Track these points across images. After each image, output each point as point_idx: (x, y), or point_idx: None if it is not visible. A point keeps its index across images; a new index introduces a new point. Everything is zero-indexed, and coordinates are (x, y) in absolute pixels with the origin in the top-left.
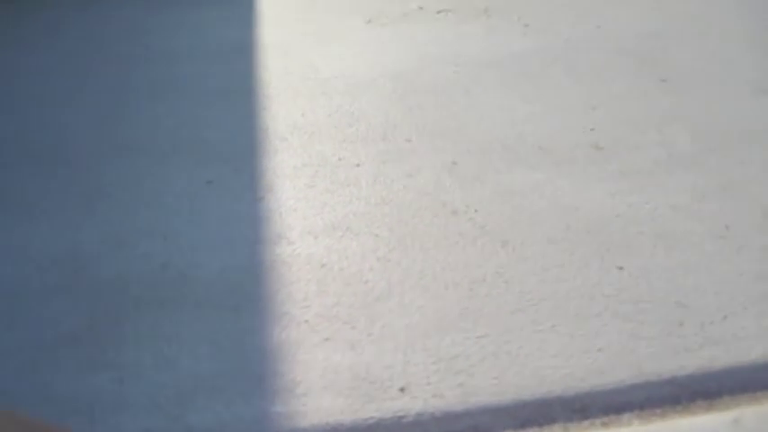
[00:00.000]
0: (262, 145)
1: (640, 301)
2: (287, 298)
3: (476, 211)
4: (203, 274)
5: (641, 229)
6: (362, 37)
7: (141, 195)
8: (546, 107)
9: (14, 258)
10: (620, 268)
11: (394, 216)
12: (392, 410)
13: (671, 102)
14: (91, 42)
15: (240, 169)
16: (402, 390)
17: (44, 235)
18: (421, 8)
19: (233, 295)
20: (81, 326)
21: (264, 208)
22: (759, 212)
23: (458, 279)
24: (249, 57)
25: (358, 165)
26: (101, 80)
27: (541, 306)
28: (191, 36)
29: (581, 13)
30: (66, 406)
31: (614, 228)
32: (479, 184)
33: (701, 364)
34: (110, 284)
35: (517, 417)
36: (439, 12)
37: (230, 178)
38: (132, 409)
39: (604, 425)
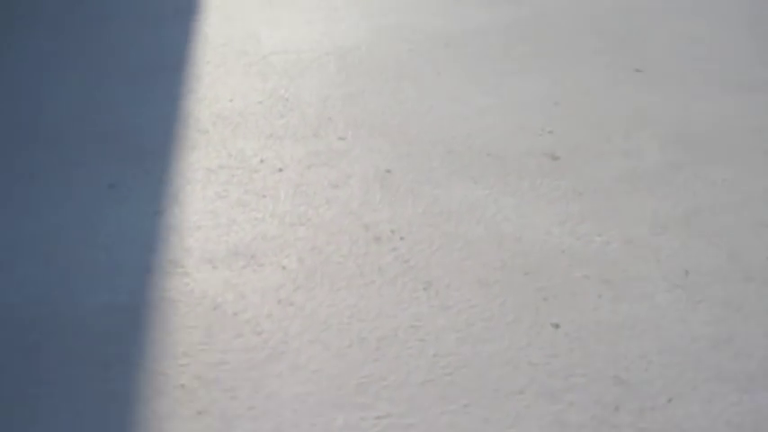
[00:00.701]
0: (179, 138)
1: (573, 373)
2: (167, 351)
3: (401, 238)
4: (81, 313)
5: (588, 271)
6: (315, 2)
7: (31, 202)
8: (503, 100)
9: None
10: (556, 326)
11: (308, 241)
12: None
13: (643, 98)
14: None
15: (149, 169)
16: None
17: None
18: None
19: (107, 344)
20: None
21: (165, 224)
22: (725, 254)
23: (366, 333)
24: (188, 21)
25: (280, 169)
26: (6, 50)
27: (457, 375)
28: None
29: None
30: None
31: (557, 268)
32: (412, 202)
33: None
34: None
35: None
36: None
37: (136, 181)
38: None
39: None
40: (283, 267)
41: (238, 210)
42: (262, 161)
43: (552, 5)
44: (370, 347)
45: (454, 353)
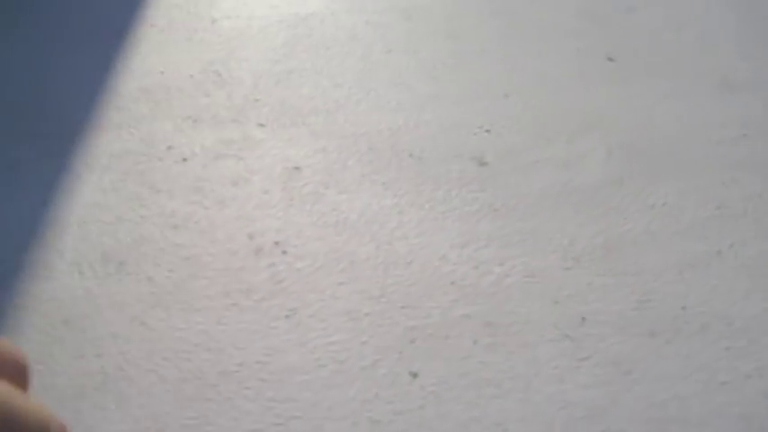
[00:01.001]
0: (96, 116)
1: None
2: None
3: (284, 252)
4: None
5: (472, 309)
6: None
7: None
8: (449, 88)
9: None
10: (414, 375)
11: (186, 249)
12: None
13: (607, 94)
14: None
15: (54, 151)
16: None
17: None
18: None
19: None
20: None
21: (49, 217)
22: (634, 299)
23: (208, 365)
24: None
25: (185, 159)
26: None
27: (288, 427)
28: None
29: None
30: None
31: (439, 304)
32: (309, 208)
33: None
34: None
35: None
36: None
37: (36, 164)
38: None
39: None
40: (149, 279)
41: (128, 205)
42: (169, 148)
43: None
44: (207, 383)
45: (293, 399)
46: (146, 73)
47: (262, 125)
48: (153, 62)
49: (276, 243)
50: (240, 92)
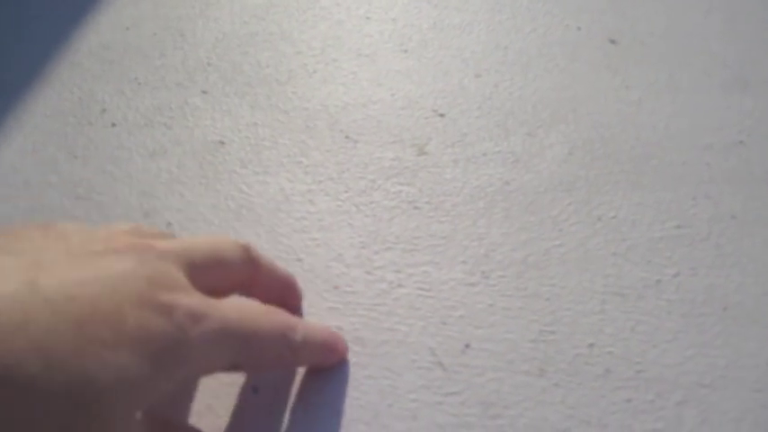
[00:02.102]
0: (48, 71)
1: None
2: None
3: (172, 235)
4: None
5: (345, 321)
6: None
7: None
8: (417, 64)
9: None
10: (255, 390)
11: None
12: None
13: (594, 81)
14: None
15: None
16: None
17: None
18: None
19: None
20: None
21: None
22: (536, 329)
23: None
24: None
25: (114, 125)
26: None
27: None
28: None
29: None
30: None
31: (308, 312)
32: (219, 187)
33: None
34: None
35: None
36: None
37: None
38: None
39: None
40: None
41: (40, 170)
42: (103, 111)
43: None
44: None
45: None
46: (112, 28)
47: (204, 92)
48: (123, 16)
49: (169, 224)
50: (196, 54)
